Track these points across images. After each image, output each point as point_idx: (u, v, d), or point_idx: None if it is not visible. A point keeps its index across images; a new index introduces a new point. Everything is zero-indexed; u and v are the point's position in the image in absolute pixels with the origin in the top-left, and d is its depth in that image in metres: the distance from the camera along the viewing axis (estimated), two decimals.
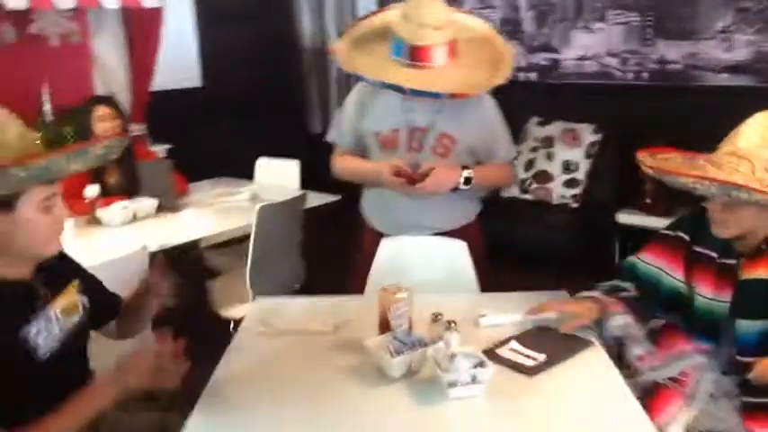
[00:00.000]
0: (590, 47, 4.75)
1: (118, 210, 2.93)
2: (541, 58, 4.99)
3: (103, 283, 1.80)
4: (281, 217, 2.81)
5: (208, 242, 2.88)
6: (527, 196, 4.69)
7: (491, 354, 1.65)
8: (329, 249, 3.30)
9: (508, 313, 1.86)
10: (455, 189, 2.18)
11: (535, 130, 4.80)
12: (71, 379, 1.45)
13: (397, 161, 2.16)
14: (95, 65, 4.73)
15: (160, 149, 4.63)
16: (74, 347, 1.53)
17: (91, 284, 1.67)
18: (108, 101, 3.32)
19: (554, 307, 1.81)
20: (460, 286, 2.15)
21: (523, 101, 4.97)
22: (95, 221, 2.94)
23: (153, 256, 2.26)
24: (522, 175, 4.71)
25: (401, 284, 1.71)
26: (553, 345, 1.69)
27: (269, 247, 2.78)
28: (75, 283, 1.62)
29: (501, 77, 2.08)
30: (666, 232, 1.84)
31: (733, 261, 1.68)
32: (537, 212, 4.57)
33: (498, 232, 4.39)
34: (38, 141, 1.53)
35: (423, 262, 2.21)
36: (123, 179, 3.29)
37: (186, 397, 1.58)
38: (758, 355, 1.57)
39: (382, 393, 1.54)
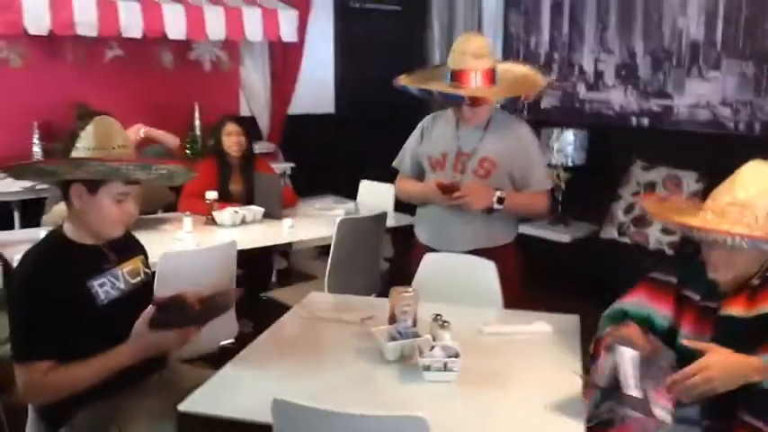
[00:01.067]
0: (703, 95, 4.77)
1: (229, 213, 3.48)
2: (654, 104, 5.06)
3: (194, 266, 2.29)
4: (359, 231, 3.21)
5: (297, 246, 3.35)
6: (624, 239, 4.78)
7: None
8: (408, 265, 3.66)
9: (509, 325, 2.13)
10: (490, 211, 2.53)
11: (639, 173, 4.88)
12: (127, 329, 1.90)
13: (440, 178, 2.56)
14: (242, 89, 5.45)
15: (285, 167, 5.23)
16: (134, 302, 1.99)
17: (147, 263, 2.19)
18: (235, 119, 3.91)
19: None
20: (487, 301, 2.43)
21: (631, 144, 5.09)
22: (212, 221, 3.50)
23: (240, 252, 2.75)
24: (622, 218, 4.82)
25: (409, 287, 2.04)
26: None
27: (348, 256, 3.19)
28: (141, 257, 2.15)
29: (516, 95, 2.58)
30: (655, 276, 1.98)
31: (713, 304, 1.83)
32: (632, 256, 4.64)
33: (591, 270, 4.61)
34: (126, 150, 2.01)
35: (458, 276, 2.52)
36: (243, 188, 3.87)
37: None
38: (738, 397, 1.71)
39: (378, 371, 1.88)
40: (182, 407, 1.67)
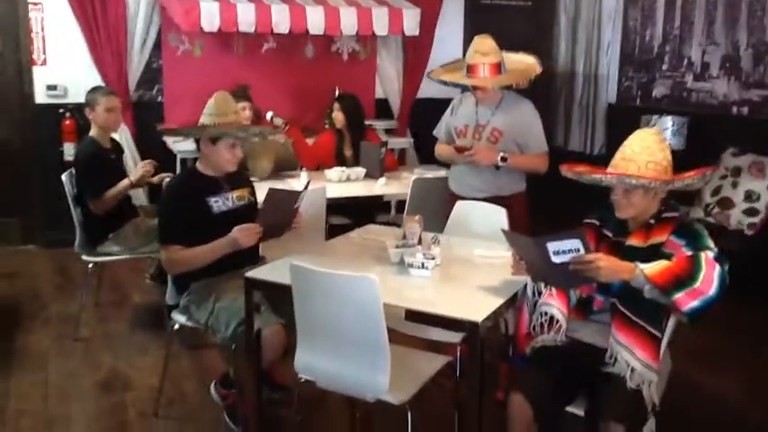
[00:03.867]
0: None
1: (337, 171, 4.43)
2: (755, 95, 5.30)
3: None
4: (428, 188, 4.02)
5: (388, 199, 4.25)
6: (709, 219, 5.12)
7: None
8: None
9: (496, 251, 2.84)
10: (497, 167, 3.30)
11: (728, 159, 5.18)
12: (229, 231, 2.84)
13: (459, 142, 3.42)
14: (378, 75, 6.38)
15: (406, 141, 6.12)
16: (237, 216, 2.96)
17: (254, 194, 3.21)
18: (341, 99, 4.86)
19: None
20: (497, 237, 3.13)
21: (728, 132, 5.36)
22: (324, 177, 4.46)
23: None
24: (708, 199, 5.15)
25: (417, 216, 2.83)
26: None
27: (421, 208, 3.94)
28: (249, 189, 3.15)
29: (512, 82, 3.30)
30: (586, 220, 2.58)
31: (622, 239, 2.44)
32: (712, 234, 4.97)
33: None
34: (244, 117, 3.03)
35: (479, 219, 3.27)
36: (353, 153, 4.81)
37: None
38: (619, 297, 2.36)
39: (383, 267, 2.71)
40: (247, 274, 2.60)
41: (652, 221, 2.38)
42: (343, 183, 4.42)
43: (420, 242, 2.82)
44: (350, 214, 4.53)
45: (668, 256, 2.28)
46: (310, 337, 2.42)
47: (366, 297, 2.21)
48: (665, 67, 6.05)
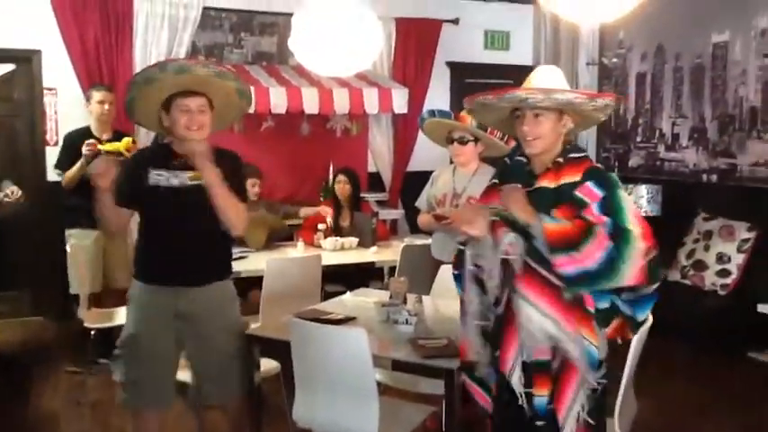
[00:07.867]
0: (762, 154, 5.33)
1: (331, 241, 4.72)
2: (722, 163, 5.67)
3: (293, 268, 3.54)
4: (418, 254, 4.30)
5: (380, 265, 4.53)
6: (685, 281, 5.40)
7: None
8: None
9: None
10: None
11: (700, 223, 5.50)
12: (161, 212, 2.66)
13: (438, 211, 3.68)
14: (370, 150, 6.77)
15: (398, 212, 6.45)
16: (179, 195, 2.62)
17: (232, 174, 2.73)
18: (345, 172, 5.18)
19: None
20: None
21: (699, 198, 5.70)
22: (319, 246, 4.75)
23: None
24: (683, 262, 5.45)
25: (401, 278, 3.11)
26: None
27: (411, 274, 4.25)
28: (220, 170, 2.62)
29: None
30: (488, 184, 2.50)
31: (533, 182, 2.27)
32: (688, 295, 5.26)
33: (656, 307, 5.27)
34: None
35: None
36: (350, 223, 5.12)
37: None
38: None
39: (373, 324, 2.96)
40: (248, 331, 2.86)
41: (560, 160, 2.24)
42: (338, 251, 4.71)
43: (405, 301, 3.09)
44: (344, 282, 4.79)
45: (579, 201, 2.17)
46: (307, 387, 2.66)
47: (356, 348, 2.48)
48: (639, 138, 6.46)
